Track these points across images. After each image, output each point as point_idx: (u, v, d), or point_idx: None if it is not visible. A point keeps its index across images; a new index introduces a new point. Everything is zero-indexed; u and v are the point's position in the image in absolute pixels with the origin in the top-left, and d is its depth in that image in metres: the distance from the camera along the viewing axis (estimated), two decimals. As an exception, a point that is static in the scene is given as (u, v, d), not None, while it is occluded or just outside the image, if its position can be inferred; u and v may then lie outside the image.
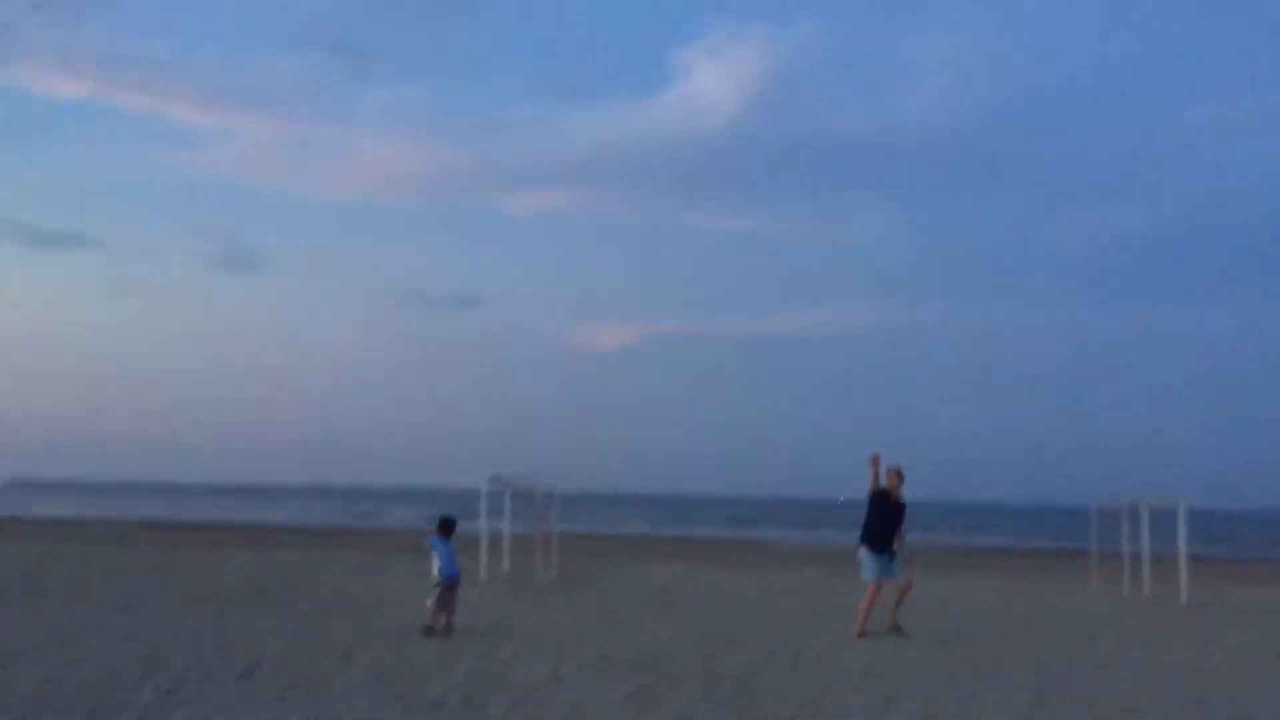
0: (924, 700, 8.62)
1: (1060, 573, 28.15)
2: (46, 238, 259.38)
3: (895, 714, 8.04)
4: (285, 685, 8.50)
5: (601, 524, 59.96)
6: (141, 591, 15.66)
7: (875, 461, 12.72)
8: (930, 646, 11.95)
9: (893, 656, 11.12)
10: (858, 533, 12.98)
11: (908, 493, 12.94)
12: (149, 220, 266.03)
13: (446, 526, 12.23)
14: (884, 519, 12.70)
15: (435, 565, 12.02)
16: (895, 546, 12.84)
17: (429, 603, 11.99)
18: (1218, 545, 52.05)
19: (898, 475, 12.82)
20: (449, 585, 11.95)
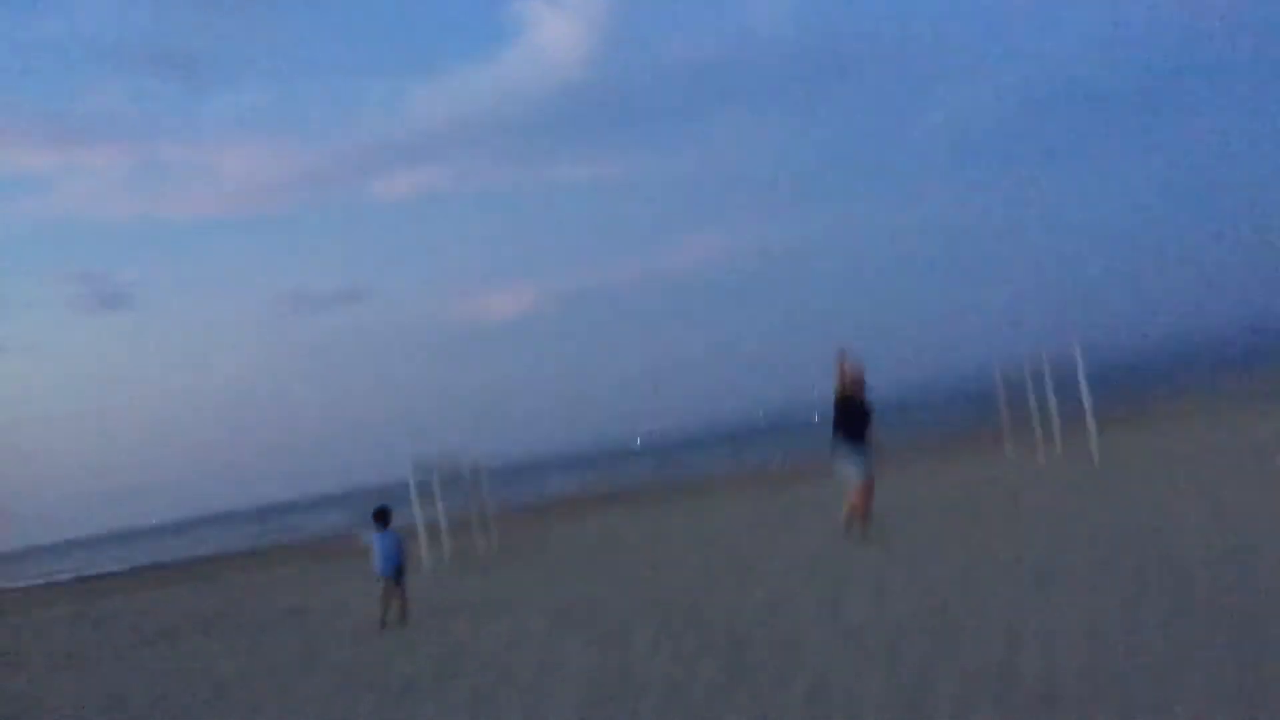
0: (873, 588, 9.04)
1: (977, 449, 29.13)
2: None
3: (848, 606, 8.44)
4: (254, 699, 8.57)
5: (531, 490, 60.07)
6: (85, 644, 15.42)
7: (841, 358, 12.47)
8: (868, 540, 12.41)
9: (834, 557, 11.55)
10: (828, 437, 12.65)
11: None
12: (6, 273, 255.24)
13: (382, 517, 12.27)
14: (851, 421, 12.42)
15: (375, 561, 12.08)
16: (867, 447, 12.47)
17: (378, 598, 12.09)
18: (1122, 393, 53.74)
19: (857, 375, 12.49)
20: (393, 577, 12.04)
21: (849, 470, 12.50)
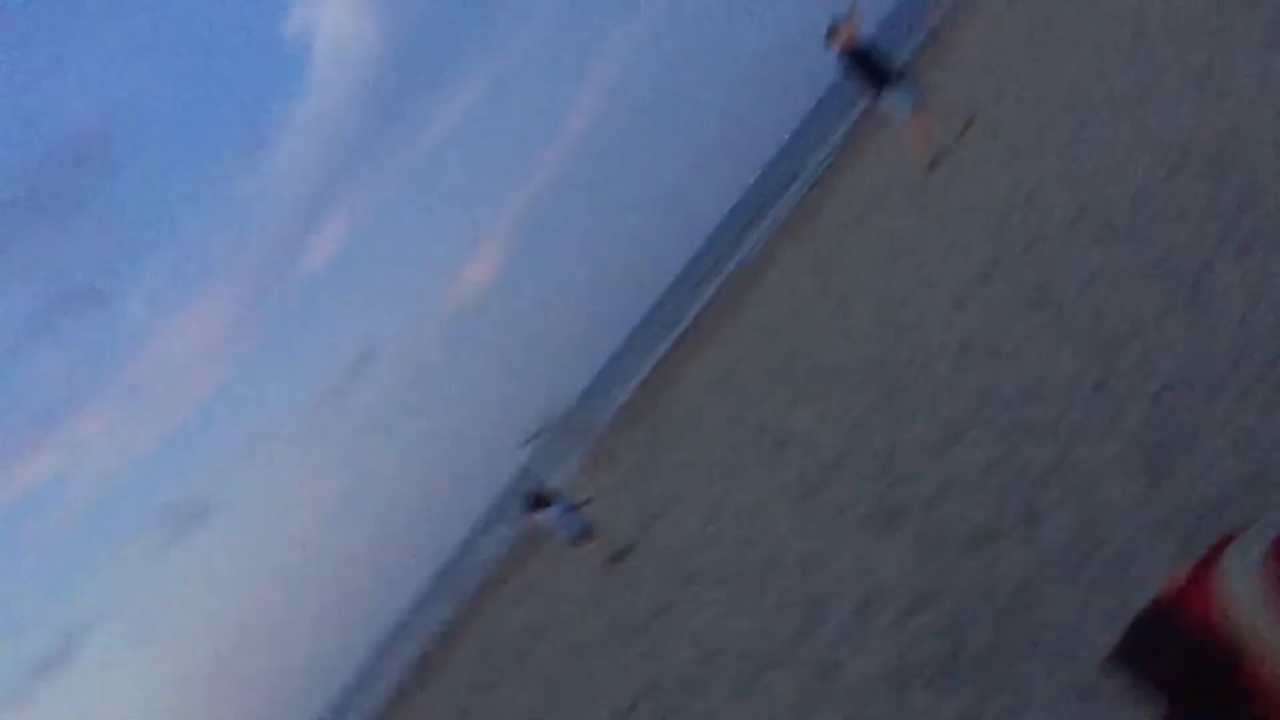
0: (925, 276, 9.59)
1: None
2: None
3: (921, 310, 8.95)
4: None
5: (624, 391, 59.29)
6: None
7: (833, 24, 12.37)
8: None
9: (877, 273, 12.01)
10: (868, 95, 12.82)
11: None
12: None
13: (542, 501, 13.13)
14: (869, 61, 12.35)
15: (562, 528, 12.96)
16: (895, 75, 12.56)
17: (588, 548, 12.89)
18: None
19: (842, 30, 12.31)
20: (583, 533, 12.85)
21: (897, 103, 12.53)
